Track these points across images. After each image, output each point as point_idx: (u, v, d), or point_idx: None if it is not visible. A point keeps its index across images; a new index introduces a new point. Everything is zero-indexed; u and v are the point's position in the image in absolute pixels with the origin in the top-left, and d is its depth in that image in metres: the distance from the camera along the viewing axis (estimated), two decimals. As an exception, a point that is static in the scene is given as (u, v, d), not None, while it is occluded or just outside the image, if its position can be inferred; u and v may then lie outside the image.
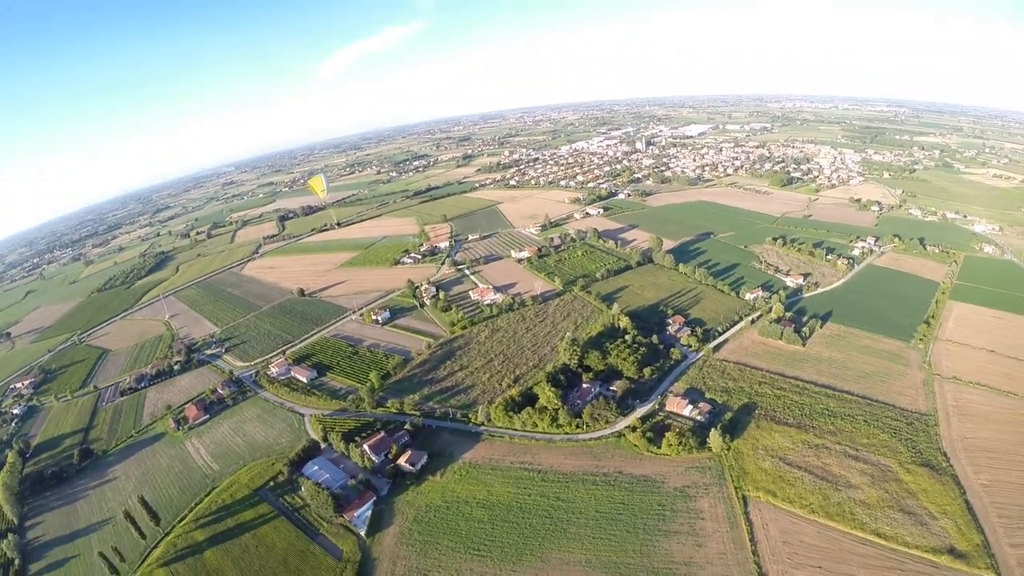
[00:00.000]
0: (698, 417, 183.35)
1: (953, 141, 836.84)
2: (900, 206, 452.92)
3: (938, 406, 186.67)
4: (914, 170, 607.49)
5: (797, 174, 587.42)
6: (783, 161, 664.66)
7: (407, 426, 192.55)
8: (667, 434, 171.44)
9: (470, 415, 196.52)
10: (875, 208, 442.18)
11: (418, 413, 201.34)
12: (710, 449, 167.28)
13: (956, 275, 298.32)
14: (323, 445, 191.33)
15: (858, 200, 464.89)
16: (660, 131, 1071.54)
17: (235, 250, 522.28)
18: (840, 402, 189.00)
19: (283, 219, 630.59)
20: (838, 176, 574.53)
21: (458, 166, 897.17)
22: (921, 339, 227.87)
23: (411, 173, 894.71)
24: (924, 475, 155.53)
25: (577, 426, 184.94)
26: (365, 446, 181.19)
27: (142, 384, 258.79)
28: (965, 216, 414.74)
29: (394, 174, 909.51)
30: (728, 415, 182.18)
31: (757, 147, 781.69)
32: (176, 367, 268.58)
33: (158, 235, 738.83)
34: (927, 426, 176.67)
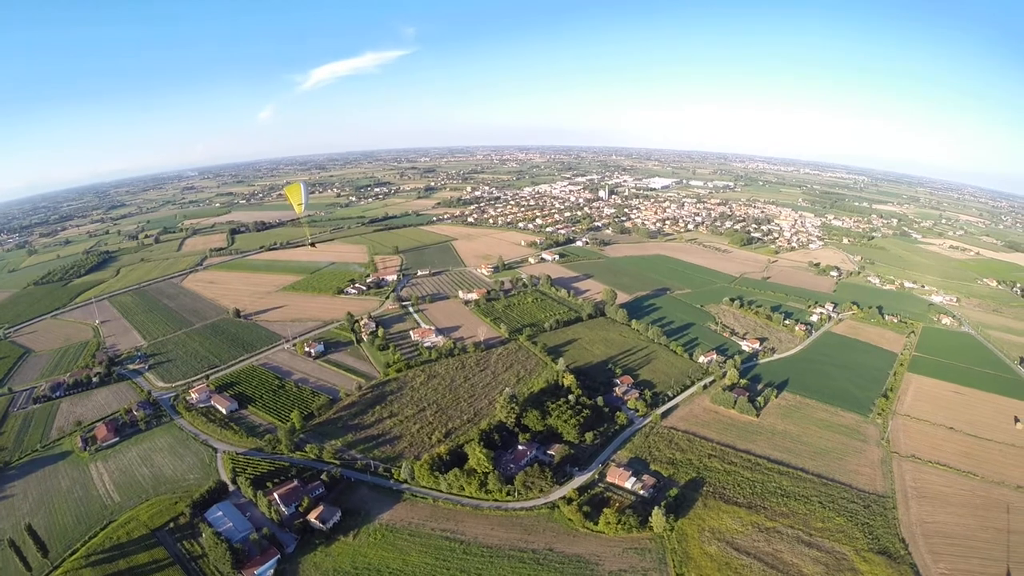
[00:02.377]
0: (641, 491, 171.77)
1: (910, 211, 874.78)
2: (859, 273, 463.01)
3: (896, 487, 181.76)
4: (872, 237, 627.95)
5: (757, 234, 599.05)
6: (744, 220, 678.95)
7: (323, 476, 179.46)
8: (605, 510, 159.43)
9: (393, 470, 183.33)
10: (834, 273, 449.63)
11: (337, 462, 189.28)
12: (652, 529, 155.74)
13: (914, 346, 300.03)
14: (232, 488, 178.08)
15: (817, 264, 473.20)
16: (624, 181, 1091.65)
17: (180, 259, 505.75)
18: (794, 481, 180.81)
19: (234, 232, 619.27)
20: (798, 239, 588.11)
21: (419, 197, 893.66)
22: (879, 413, 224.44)
23: (371, 200, 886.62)
24: (881, 564, 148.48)
25: (508, 493, 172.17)
26: (275, 495, 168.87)
27: (57, 393, 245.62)
28: (923, 286, 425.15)
29: (353, 199, 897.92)
30: (673, 491, 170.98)
31: (719, 204, 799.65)
32: (95, 379, 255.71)
33: (107, 233, 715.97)
34: (885, 509, 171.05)
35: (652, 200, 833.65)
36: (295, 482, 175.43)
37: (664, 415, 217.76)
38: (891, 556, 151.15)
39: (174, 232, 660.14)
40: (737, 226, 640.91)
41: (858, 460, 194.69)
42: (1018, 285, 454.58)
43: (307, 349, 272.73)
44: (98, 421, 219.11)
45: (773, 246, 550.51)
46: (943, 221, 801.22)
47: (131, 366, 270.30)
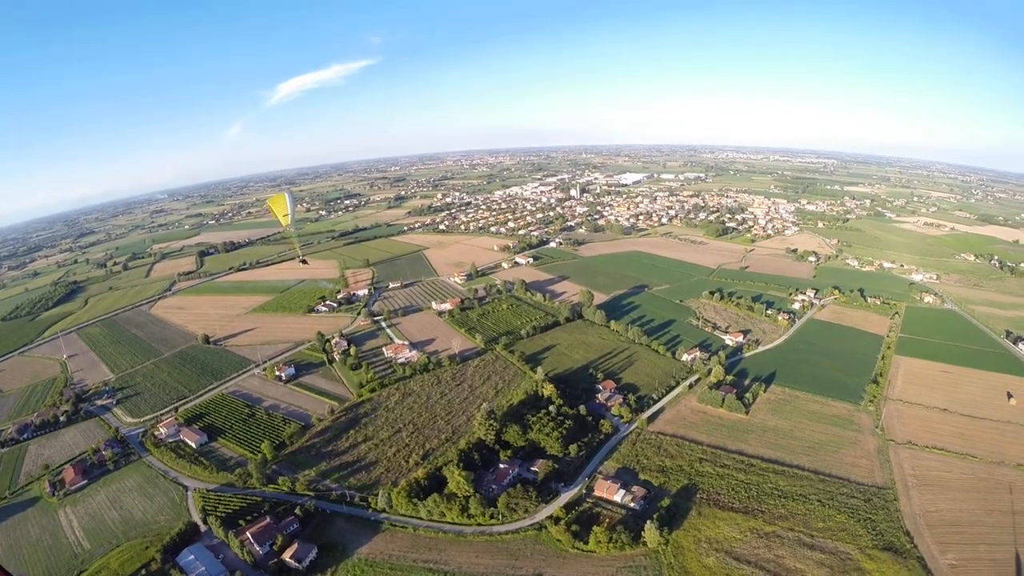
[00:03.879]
0: (631, 504, 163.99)
1: (882, 191, 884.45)
2: (837, 256, 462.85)
3: (896, 477, 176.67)
4: (847, 219, 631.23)
5: (732, 224, 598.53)
6: (718, 211, 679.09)
7: (297, 511, 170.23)
8: (595, 527, 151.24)
9: (370, 499, 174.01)
10: (812, 259, 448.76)
11: (312, 494, 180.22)
12: (645, 544, 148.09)
13: (900, 327, 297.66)
14: (203, 528, 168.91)
15: (794, 250, 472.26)
16: (595, 179, 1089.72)
17: (148, 285, 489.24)
18: (790, 479, 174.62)
19: (203, 255, 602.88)
20: (773, 226, 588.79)
21: (389, 207, 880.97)
22: (871, 400, 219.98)
23: (340, 212, 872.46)
24: (888, 561, 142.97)
25: (492, 516, 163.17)
26: (248, 534, 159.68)
27: (24, 435, 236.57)
28: (902, 265, 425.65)
29: (323, 212, 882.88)
30: (665, 501, 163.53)
31: (691, 196, 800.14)
32: (63, 417, 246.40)
33: (75, 263, 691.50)
34: (886, 501, 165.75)
35: (624, 196, 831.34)
36: (267, 519, 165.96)
37: (650, 419, 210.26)
38: (897, 551, 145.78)
39: (143, 258, 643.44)
40: (711, 217, 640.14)
41: (854, 452, 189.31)
42: (996, 258, 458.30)
43: (277, 373, 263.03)
44: (66, 463, 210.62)
45: (749, 235, 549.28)
46: (915, 199, 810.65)
47: (99, 402, 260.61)
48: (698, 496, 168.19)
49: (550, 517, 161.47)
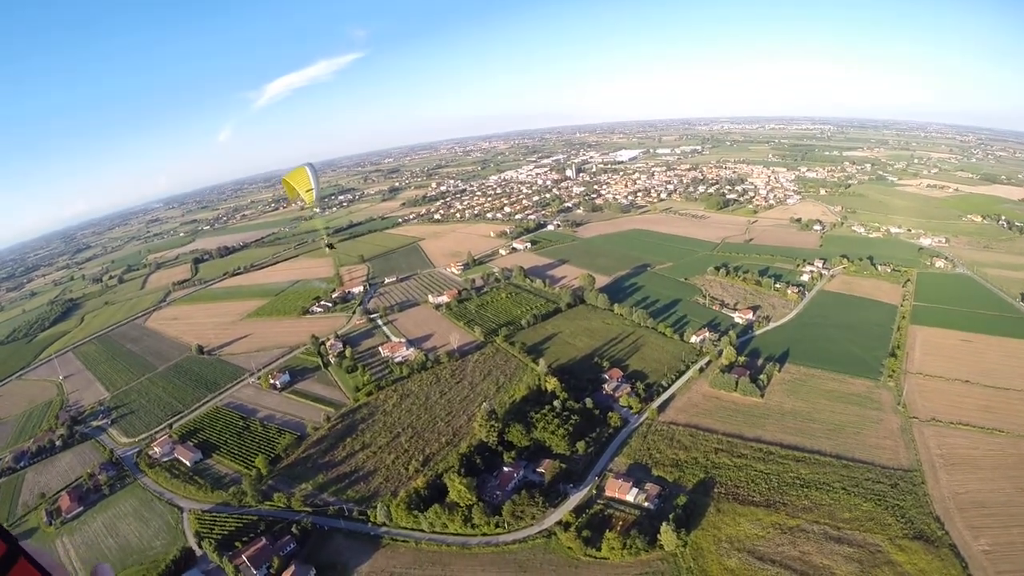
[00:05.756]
0: (645, 503, 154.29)
1: (882, 154, 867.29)
2: (842, 223, 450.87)
3: (922, 458, 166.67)
4: (849, 185, 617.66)
5: (733, 196, 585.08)
6: (717, 183, 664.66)
7: (294, 528, 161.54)
8: (608, 532, 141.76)
9: (369, 512, 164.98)
10: (817, 227, 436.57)
11: (309, 509, 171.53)
12: (662, 547, 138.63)
13: (913, 295, 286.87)
14: (199, 552, 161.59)
15: (799, 220, 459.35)
16: (591, 157, 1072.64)
17: (143, 298, 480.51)
18: (812, 467, 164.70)
19: (197, 262, 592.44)
20: (774, 196, 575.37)
21: (383, 200, 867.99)
22: (890, 375, 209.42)
23: (335, 208, 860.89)
24: (919, 551, 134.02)
25: (497, 525, 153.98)
26: (244, 557, 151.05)
27: (21, 463, 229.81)
28: (909, 230, 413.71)
29: (317, 210, 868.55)
30: (681, 498, 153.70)
31: (689, 170, 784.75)
32: (58, 442, 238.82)
33: (71, 279, 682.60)
34: (913, 485, 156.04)
35: (621, 173, 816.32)
36: (263, 540, 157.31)
37: (661, 408, 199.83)
38: (928, 540, 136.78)
39: (138, 269, 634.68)
40: (711, 189, 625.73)
41: (877, 432, 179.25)
42: (1003, 218, 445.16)
43: (272, 381, 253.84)
44: (62, 490, 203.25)
45: (751, 206, 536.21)
46: (915, 161, 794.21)
47: (94, 423, 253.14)
48: (716, 491, 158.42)
49: (559, 523, 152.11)
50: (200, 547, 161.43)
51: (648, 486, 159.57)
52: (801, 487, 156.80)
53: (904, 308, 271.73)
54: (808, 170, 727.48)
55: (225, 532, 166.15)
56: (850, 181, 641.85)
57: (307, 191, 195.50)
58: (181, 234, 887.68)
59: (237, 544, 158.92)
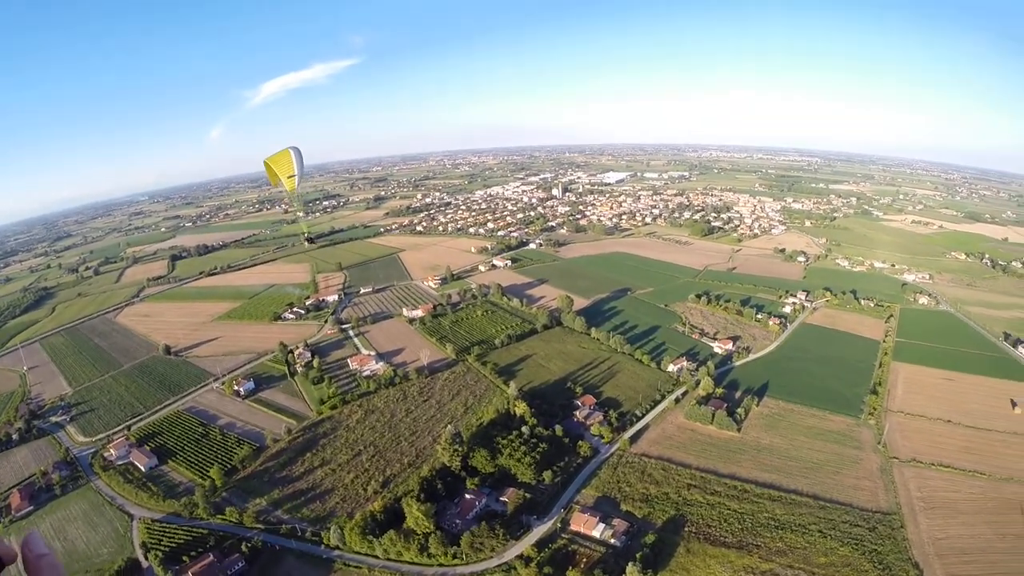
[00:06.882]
0: (612, 540, 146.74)
1: (867, 189, 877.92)
2: (826, 256, 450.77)
3: (901, 500, 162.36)
4: (834, 218, 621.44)
5: (718, 223, 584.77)
6: (703, 210, 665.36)
7: (244, 547, 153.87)
8: (570, 570, 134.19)
9: (323, 533, 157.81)
10: (801, 259, 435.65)
11: (261, 527, 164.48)
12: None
13: (895, 331, 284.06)
14: (145, 564, 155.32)
15: (783, 250, 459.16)
16: (578, 177, 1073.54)
17: (117, 291, 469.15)
18: (788, 507, 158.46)
19: (175, 259, 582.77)
20: (759, 225, 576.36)
21: (368, 208, 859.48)
22: (871, 413, 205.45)
23: (318, 214, 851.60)
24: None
25: (455, 555, 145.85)
26: (190, 573, 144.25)
27: None
28: (893, 265, 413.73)
29: (301, 214, 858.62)
30: (650, 536, 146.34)
31: (676, 195, 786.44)
32: (15, 436, 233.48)
33: (48, 267, 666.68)
34: (892, 529, 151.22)
35: (607, 195, 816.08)
36: (211, 556, 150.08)
37: (633, 439, 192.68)
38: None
39: (115, 262, 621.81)
40: (696, 216, 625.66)
41: (856, 472, 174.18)
42: (987, 256, 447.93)
43: (236, 388, 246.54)
44: (13, 487, 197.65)
45: (735, 234, 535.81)
46: (901, 196, 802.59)
47: (53, 418, 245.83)
48: (686, 529, 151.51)
49: (520, 556, 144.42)
50: (146, 559, 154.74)
51: (616, 521, 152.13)
52: (776, 528, 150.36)
53: (886, 344, 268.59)
54: (794, 201, 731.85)
55: (173, 545, 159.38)
56: (835, 214, 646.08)
57: (289, 177, 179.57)
58: (163, 229, 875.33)
59: (184, 559, 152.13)
